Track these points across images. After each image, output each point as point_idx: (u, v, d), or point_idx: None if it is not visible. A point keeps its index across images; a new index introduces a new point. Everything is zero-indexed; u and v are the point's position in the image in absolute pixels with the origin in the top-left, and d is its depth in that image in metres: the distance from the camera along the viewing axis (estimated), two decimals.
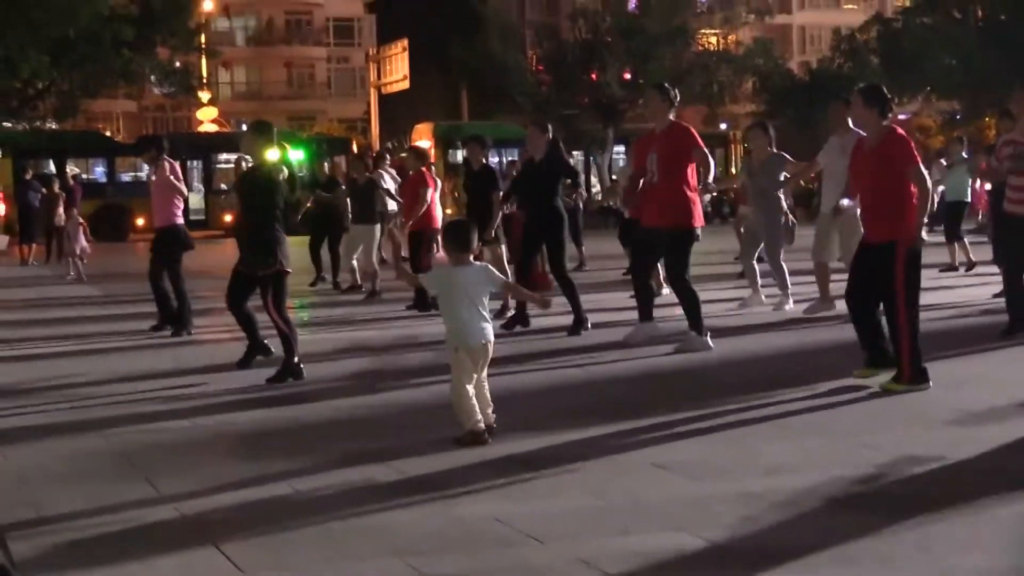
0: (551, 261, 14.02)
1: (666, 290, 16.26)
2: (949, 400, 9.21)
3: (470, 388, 7.96)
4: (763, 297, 15.78)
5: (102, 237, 39.18)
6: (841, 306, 12.07)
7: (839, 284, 11.75)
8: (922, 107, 69.27)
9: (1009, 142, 12.86)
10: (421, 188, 17.08)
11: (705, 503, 6.52)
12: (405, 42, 63.35)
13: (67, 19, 39.25)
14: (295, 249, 12.25)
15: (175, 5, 45.55)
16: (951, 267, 20.50)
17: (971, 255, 20.54)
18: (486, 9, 62.20)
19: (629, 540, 5.90)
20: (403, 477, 7.25)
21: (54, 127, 48.06)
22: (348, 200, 20.51)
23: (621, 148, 51.52)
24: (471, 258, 8.24)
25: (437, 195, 17.58)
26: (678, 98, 12.55)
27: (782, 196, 15.78)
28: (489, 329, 8.04)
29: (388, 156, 21.06)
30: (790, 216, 16.36)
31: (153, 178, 15.13)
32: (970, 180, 21.58)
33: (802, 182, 25.30)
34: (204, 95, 54.66)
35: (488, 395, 8.15)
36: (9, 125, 45.29)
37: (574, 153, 47.60)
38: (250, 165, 11.45)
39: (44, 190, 30.93)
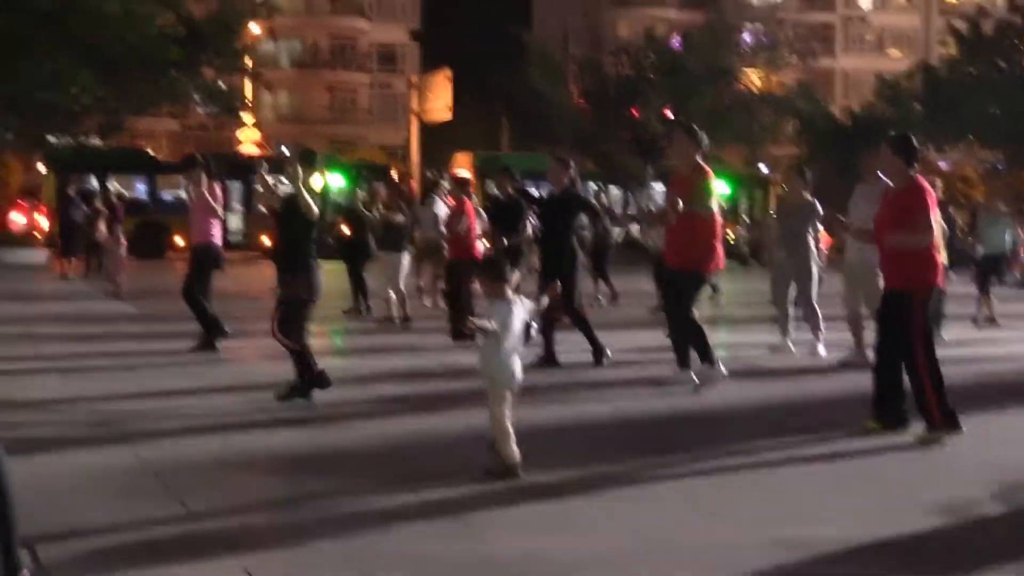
0: (563, 295, 13.97)
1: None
2: (987, 454, 9.16)
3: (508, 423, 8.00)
4: (791, 344, 15.68)
5: (141, 254, 39.42)
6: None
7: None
8: (964, 156, 69.05)
9: None
10: (459, 218, 17.14)
11: (738, 548, 6.49)
12: (448, 71, 63.49)
13: (116, 39, 39.52)
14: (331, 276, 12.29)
15: (222, 27, 45.78)
16: (991, 319, 20.36)
17: (994, 311, 20.45)
18: (531, 40, 62.40)
19: None
20: (432, 505, 7.26)
21: (98, 143, 48.36)
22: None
23: (660, 185, 51.53)
24: (509, 291, 8.19)
25: (478, 225, 17.60)
26: (706, 141, 12.53)
27: (812, 241, 15.75)
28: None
29: (442, 183, 21.09)
30: (820, 261, 16.33)
31: (192, 196, 15.34)
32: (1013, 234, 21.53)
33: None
34: (247, 116, 54.91)
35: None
36: (54, 140, 45.60)
37: (611, 187, 47.68)
38: (290, 192, 11.48)
39: (86, 206, 31.13)
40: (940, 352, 9.79)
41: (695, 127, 12.73)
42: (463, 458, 8.44)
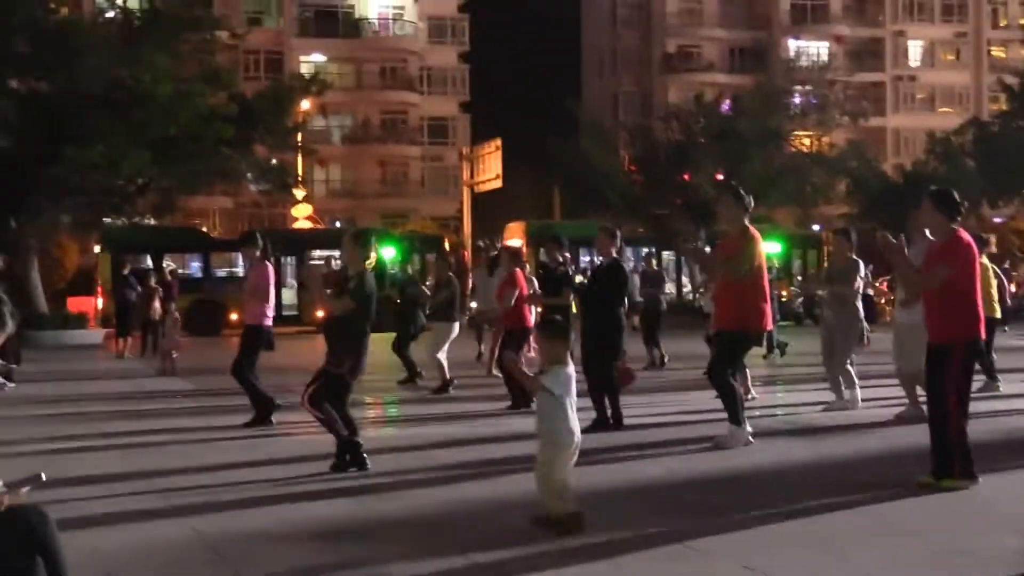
0: (604, 360, 13.99)
1: (754, 394, 16.33)
2: None
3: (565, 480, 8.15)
4: (847, 401, 15.65)
5: (197, 332, 39.66)
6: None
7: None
8: (1018, 210, 68.67)
9: None
10: (509, 289, 17.22)
11: None
12: (499, 141, 63.86)
13: (168, 119, 40.02)
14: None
15: (274, 104, 46.25)
16: None
17: None
18: (581, 109, 62.71)
19: None
20: (484, 569, 7.25)
21: (152, 223, 48.85)
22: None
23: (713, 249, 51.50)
24: (568, 355, 8.31)
25: (529, 294, 17.65)
26: (752, 204, 12.62)
27: (860, 303, 15.86)
28: None
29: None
30: (866, 325, 16.38)
31: (247, 273, 15.46)
32: None
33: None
34: (299, 192, 55.35)
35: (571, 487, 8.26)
36: (109, 221, 46.10)
37: (663, 253, 47.66)
38: (348, 271, 11.57)
39: (140, 285, 31.40)
40: (998, 404, 9.75)
41: (741, 191, 12.83)
42: (516, 522, 8.41)
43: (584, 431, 8.59)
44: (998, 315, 16.98)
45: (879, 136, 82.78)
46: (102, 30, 42.53)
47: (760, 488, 10.18)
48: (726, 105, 60.87)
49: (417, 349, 20.78)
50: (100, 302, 42.54)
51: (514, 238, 47.50)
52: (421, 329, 21.22)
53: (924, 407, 13.05)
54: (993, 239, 47.27)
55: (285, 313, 38.92)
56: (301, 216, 56.73)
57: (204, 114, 40.87)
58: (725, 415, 12.54)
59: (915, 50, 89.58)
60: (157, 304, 29.08)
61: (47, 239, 49.35)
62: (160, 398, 19.20)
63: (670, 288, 26.46)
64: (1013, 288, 39.94)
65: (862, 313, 16.07)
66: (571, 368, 8.24)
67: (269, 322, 15.24)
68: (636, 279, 24.89)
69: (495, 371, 19.99)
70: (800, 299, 44.50)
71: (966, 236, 9.92)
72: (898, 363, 14.69)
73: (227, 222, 72.17)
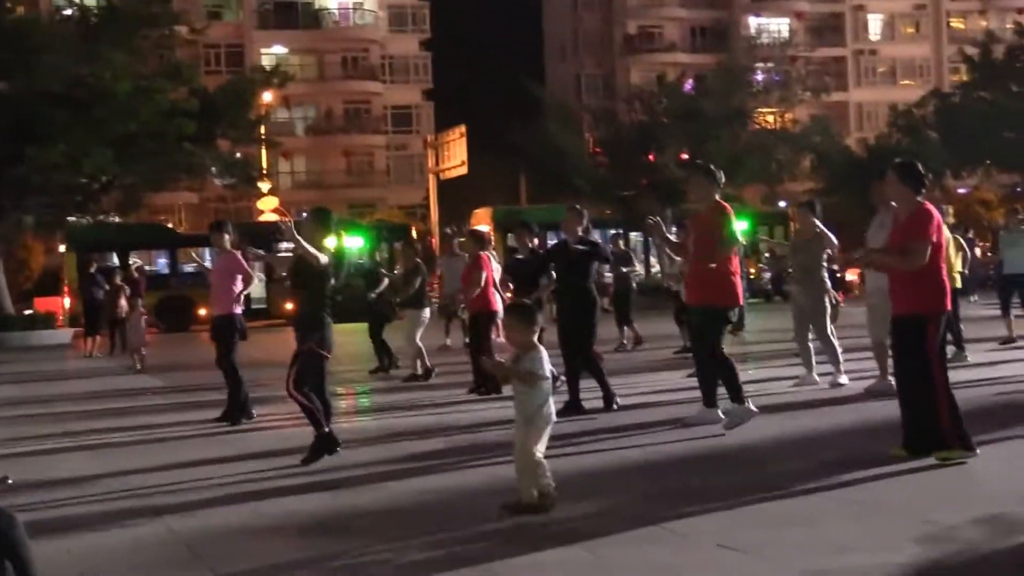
0: (578, 340, 13.97)
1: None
2: (1015, 475, 9.09)
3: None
4: (816, 376, 15.69)
5: (165, 328, 39.54)
6: None
7: None
8: (982, 181, 68.99)
9: None
10: (476, 272, 17.20)
11: None
12: (463, 128, 63.82)
13: (129, 115, 39.83)
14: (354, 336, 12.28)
15: (236, 98, 46.10)
16: (1009, 340, 20.31)
17: (1013, 330, 20.42)
18: (543, 93, 62.66)
19: None
20: (460, 558, 7.22)
21: (117, 220, 48.64)
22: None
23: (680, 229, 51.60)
24: (535, 339, 8.28)
25: (496, 278, 17.62)
26: (723, 179, 12.56)
27: (826, 274, 15.84)
28: None
29: (491, 242, 21.29)
30: (833, 294, 16.30)
31: (215, 264, 15.24)
32: None
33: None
34: (264, 185, 55.20)
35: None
36: (73, 220, 45.88)
37: (631, 234, 47.70)
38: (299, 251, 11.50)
39: (107, 283, 31.27)
40: (965, 374, 9.75)
41: (711, 167, 12.75)
42: (491, 509, 8.38)
43: (558, 414, 8.58)
44: (959, 285, 17.04)
45: (842, 111, 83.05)
46: (60, 28, 42.35)
47: (734, 466, 10.17)
48: (689, 85, 60.95)
49: (393, 338, 20.69)
50: (67, 302, 42.34)
51: (481, 224, 47.47)
52: (392, 312, 21.15)
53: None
54: (951, 209, 47.49)
55: (254, 306, 38.75)
56: (267, 209, 56.60)
57: (165, 110, 40.73)
58: (699, 394, 12.52)
59: (875, 24, 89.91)
60: (123, 302, 28.94)
61: (12, 240, 49.17)
62: (130, 396, 19.09)
63: (639, 268, 26.47)
64: (979, 253, 40.07)
65: (829, 284, 16.04)
66: (544, 352, 8.21)
67: (239, 310, 15.05)
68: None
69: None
70: (769, 275, 44.67)
71: (932, 207, 9.93)
72: (873, 334, 14.64)
73: (193, 218, 71.94)
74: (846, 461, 9.89)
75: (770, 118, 60.92)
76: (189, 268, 45.43)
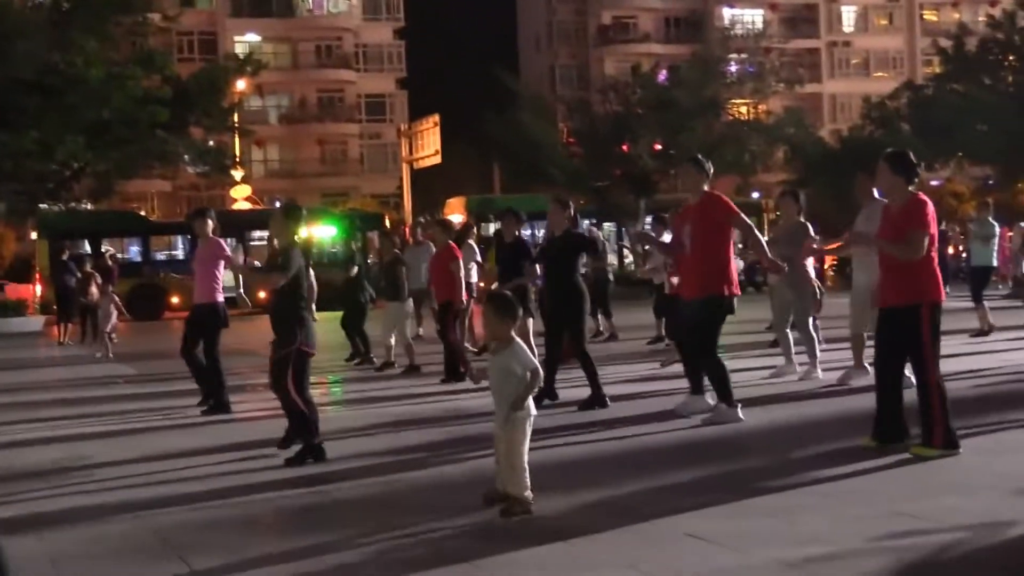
0: (570, 337, 13.89)
1: None
2: (989, 467, 9.11)
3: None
4: (797, 367, 15.69)
5: (137, 316, 39.39)
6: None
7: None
8: (954, 173, 69.22)
9: None
10: (451, 263, 17.15)
11: (743, 574, 6.45)
12: (436, 117, 63.68)
13: (101, 102, 39.66)
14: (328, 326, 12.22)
15: (209, 86, 45.96)
16: (981, 331, 20.40)
17: (991, 320, 20.52)
18: (518, 84, 62.59)
19: None
20: (437, 551, 7.21)
21: (90, 208, 48.43)
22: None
23: (652, 219, 51.65)
24: (512, 331, 8.20)
25: (462, 268, 17.62)
26: (712, 170, 12.49)
27: (808, 264, 15.75)
28: None
29: (473, 229, 21.30)
30: (816, 284, 16.24)
31: (201, 251, 15.04)
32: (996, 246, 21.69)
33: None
34: (238, 173, 55.05)
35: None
36: (46, 207, 45.66)
37: (605, 225, 47.79)
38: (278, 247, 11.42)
39: (79, 273, 31.14)
40: (940, 367, 9.73)
41: (700, 157, 12.67)
42: (469, 503, 8.37)
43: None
44: None
45: (815, 102, 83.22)
46: (32, 15, 42.11)
47: (707, 457, 10.17)
48: (663, 75, 60.94)
49: (374, 328, 20.62)
50: (39, 289, 42.13)
51: (454, 213, 47.41)
52: (371, 301, 21.08)
53: (870, 370, 13.17)
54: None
55: (228, 295, 38.58)
56: (240, 197, 56.43)
57: (138, 97, 40.59)
58: (685, 385, 12.51)
59: (849, 16, 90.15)
60: (94, 289, 28.81)
61: None
62: (101, 384, 19.01)
63: (612, 259, 26.43)
64: (951, 250, 40.26)
65: (813, 274, 15.97)
66: (522, 343, 8.18)
67: (221, 298, 14.85)
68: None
69: (471, 346, 19.99)
70: (742, 267, 44.69)
71: (925, 197, 9.88)
72: (856, 327, 14.58)
73: (165, 205, 71.76)
74: (821, 453, 9.91)
75: (744, 109, 60.96)
76: (161, 256, 45.37)
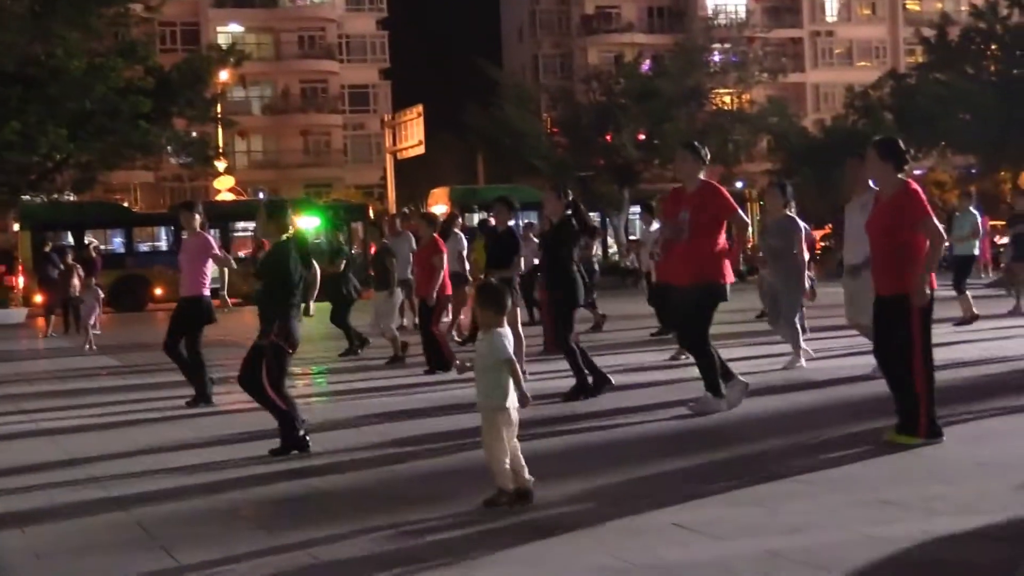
0: (558, 324, 13.80)
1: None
2: (971, 455, 9.14)
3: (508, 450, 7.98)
4: (805, 358, 15.53)
5: (121, 308, 39.32)
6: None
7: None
8: (937, 162, 69.32)
9: None
10: (435, 256, 17.11)
11: (727, 563, 6.46)
12: (420, 107, 63.61)
13: (83, 93, 39.55)
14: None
15: (192, 76, 45.85)
16: (964, 320, 20.45)
17: (974, 309, 20.56)
18: (501, 74, 62.55)
19: None
20: (423, 543, 7.20)
21: (72, 199, 48.29)
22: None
23: (637, 209, 51.67)
24: (505, 320, 8.20)
25: (445, 262, 17.61)
26: (709, 156, 12.39)
27: (798, 256, 15.63)
28: None
29: (459, 219, 21.28)
30: (809, 275, 16.18)
31: (188, 243, 14.96)
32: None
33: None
34: (221, 164, 54.93)
35: (521, 457, 8.11)
36: (28, 198, 45.51)
37: (590, 214, 47.81)
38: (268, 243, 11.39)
39: (62, 265, 31.06)
40: None
41: (696, 144, 12.59)
42: (451, 494, 8.37)
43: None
44: None
45: (799, 92, 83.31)
46: (13, 6, 41.92)
47: (693, 446, 10.18)
48: (646, 65, 60.95)
49: (362, 319, 20.58)
50: (21, 281, 42.01)
51: (438, 204, 47.39)
52: (356, 292, 21.03)
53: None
54: None
55: (212, 286, 38.48)
56: (223, 188, 56.29)
57: (120, 88, 40.44)
58: (672, 376, 12.47)
59: (831, 5, 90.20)
60: (76, 281, 28.73)
61: None
62: (86, 377, 18.97)
63: (596, 249, 26.44)
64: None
65: (805, 265, 15.79)
66: (508, 331, 8.16)
67: (208, 292, 14.74)
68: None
69: (456, 336, 19.95)
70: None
71: (916, 185, 9.85)
72: (852, 317, 14.47)
73: (149, 197, 71.59)
74: (806, 442, 9.93)
75: (727, 99, 61.01)
76: (144, 247, 45.27)
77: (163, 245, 44.26)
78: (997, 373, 14.31)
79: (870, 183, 12.95)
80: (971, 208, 21.90)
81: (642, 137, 56.35)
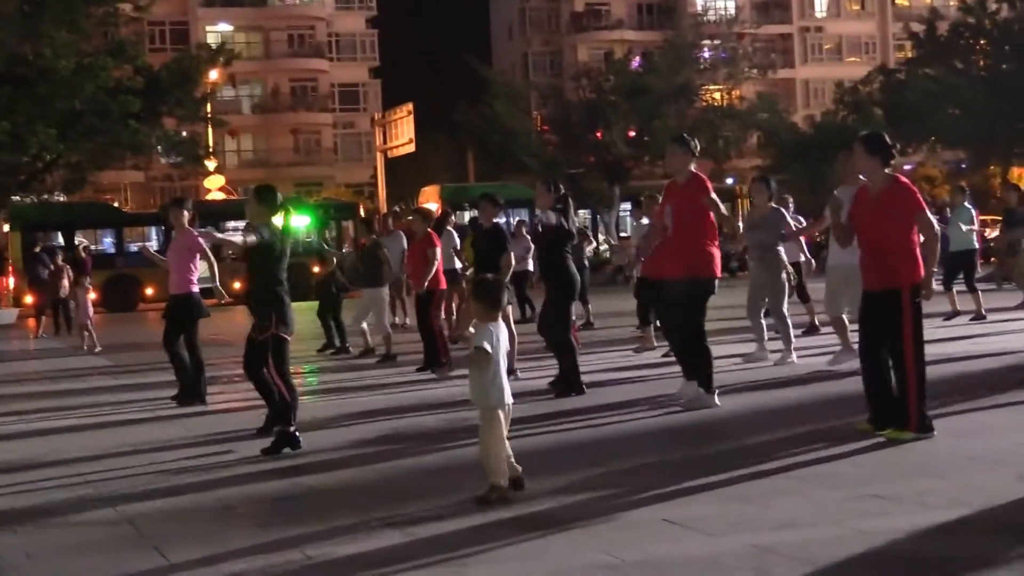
0: (553, 320, 13.78)
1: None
2: (961, 449, 9.15)
3: (501, 446, 7.98)
4: (768, 353, 15.68)
5: (112, 308, 39.26)
6: None
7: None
8: (927, 157, 69.43)
9: None
10: (429, 249, 17.10)
11: (718, 558, 6.47)
12: (410, 106, 63.55)
13: (72, 93, 39.49)
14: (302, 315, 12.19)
15: (181, 76, 45.82)
16: (953, 315, 20.46)
17: (957, 306, 20.56)
18: (491, 72, 62.54)
19: None
20: (416, 540, 7.20)
21: (62, 199, 48.23)
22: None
23: (627, 206, 51.67)
24: (499, 316, 8.22)
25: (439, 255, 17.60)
26: (699, 148, 12.36)
27: (782, 250, 15.75)
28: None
29: (452, 216, 21.26)
30: (791, 270, 16.24)
31: (173, 240, 14.95)
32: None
33: (816, 235, 25.67)
34: (211, 164, 54.89)
35: (510, 451, 8.13)
36: (18, 199, 45.45)
37: (580, 212, 47.76)
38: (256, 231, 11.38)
39: (52, 265, 31.03)
40: None
41: (686, 136, 12.56)
42: (443, 492, 8.37)
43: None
44: None
45: (788, 88, 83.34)
46: (2, 6, 41.86)
47: (683, 442, 10.20)
48: (636, 62, 60.98)
49: (348, 316, 20.56)
50: (12, 282, 41.96)
51: (429, 202, 47.37)
52: (343, 289, 20.99)
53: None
54: None
55: (203, 285, 38.52)
56: (214, 187, 56.24)
57: (109, 87, 40.40)
58: (662, 372, 12.45)
59: (821, 1, 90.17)
60: (66, 282, 28.70)
61: None
62: (77, 377, 18.94)
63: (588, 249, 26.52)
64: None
65: (785, 260, 15.91)
66: (502, 326, 8.17)
67: (196, 288, 14.72)
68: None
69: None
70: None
71: (906, 180, 9.88)
72: (831, 310, 14.56)
73: (139, 197, 71.48)
74: (796, 437, 9.94)
75: (717, 95, 61.06)
76: (135, 247, 45.21)
77: (154, 245, 44.20)
78: (986, 367, 14.32)
79: (860, 176, 13.00)
80: (965, 203, 21.92)
81: (632, 134, 56.38)
